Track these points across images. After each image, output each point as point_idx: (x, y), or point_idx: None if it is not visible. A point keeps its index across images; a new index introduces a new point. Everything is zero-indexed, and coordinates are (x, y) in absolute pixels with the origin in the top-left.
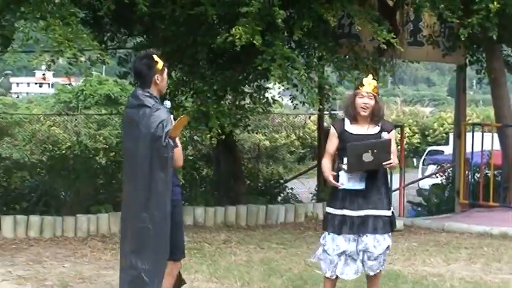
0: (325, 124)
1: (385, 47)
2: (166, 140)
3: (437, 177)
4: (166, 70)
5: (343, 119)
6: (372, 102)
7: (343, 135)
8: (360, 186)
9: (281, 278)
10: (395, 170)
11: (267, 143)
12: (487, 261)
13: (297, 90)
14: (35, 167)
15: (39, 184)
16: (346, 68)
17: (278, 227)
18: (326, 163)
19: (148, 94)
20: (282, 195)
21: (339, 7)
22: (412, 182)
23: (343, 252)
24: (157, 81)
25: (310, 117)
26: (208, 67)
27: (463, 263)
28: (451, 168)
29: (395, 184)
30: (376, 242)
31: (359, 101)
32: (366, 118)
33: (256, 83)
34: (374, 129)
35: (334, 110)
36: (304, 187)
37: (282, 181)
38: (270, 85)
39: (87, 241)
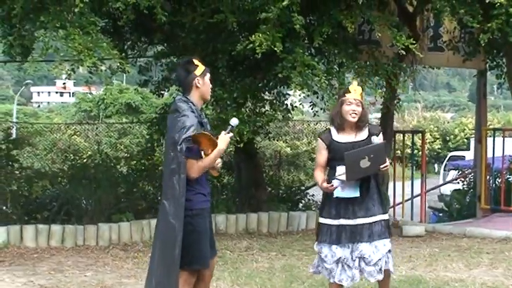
0: None
1: (404, 53)
2: (182, 145)
3: (458, 182)
4: (208, 75)
5: (329, 129)
6: (360, 108)
7: (331, 145)
8: (355, 194)
9: (303, 285)
10: (416, 176)
11: (288, 150)
12: (508, 266)
13: (317, 97)
14: (56, 176)
15: (60, 193)
16: (367, 74)
17: (299, 233)
18: (319, 174)
19: (185, 99)
20: (303, 202)
21: (358, 13)
22: (434, 188)
23: (339, 259)
24: (198, 85)
25: None
26: (228, 74)
27: (485, 268)
28: (472, 174)
29: (416, 190)
30: (374, 248)
31: (346, 108)
32: (352, 125)
33: (276, 90)
34: (362, 135)
35: None
36: None
37: (303, 188)
38: (290, 92)
39: (109, 250)
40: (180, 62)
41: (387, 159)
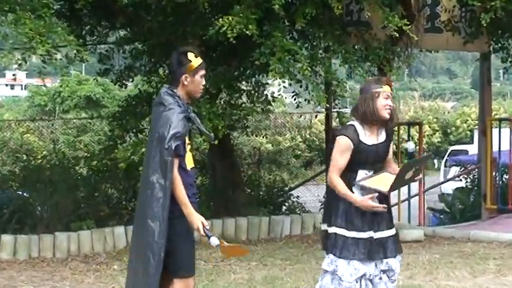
0: (333, 124)
1: (398, 35)
2: (170, 143)
3: (461, 180)
4: (201, 72)
5: (353, 126)
6: (392, 104)
7: (359, 147)
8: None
9: None
10: None
11: (269, 146)
12: None
13: (301, 87)
14: (6, 180)
15: (11, 199)
16: (356, 59)
17: (283, 240)
18: (340, 181)
19: (171, 92)
20: (286, 204)
21: None
22: (433, 187)
23: (363, 276)
24: (185, 83)
25: (316, 116)
26: None
27: (492, 275)
28: (476, 170)
29: (414, 189)
30: (398, 262)
31: (383, 102)
32: (378, 124)
33: (254, 79)
34: (382, 136)
35: (345, 108)
36: (311, 195)
37: (286, 189)
38: (270, 81)
39: (68, 262)
40: (176, 50)
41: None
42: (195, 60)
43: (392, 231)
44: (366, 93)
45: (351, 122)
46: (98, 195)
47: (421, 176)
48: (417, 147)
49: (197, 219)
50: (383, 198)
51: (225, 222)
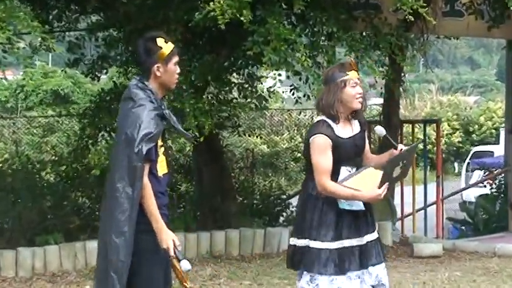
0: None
1: (413, 19)
2: (140, 146)
3: (485, 186)
4: (174, 59)
5: (324, 121)
6: (362, 91)
7: (337, 142)
8: (359, 206)
9: None
10: (430, 179)
11: (264, 147)
12: None
13: (300, 80)
14: None
15: None
16: (364, 48)
17: (280, 256)
18: (335, 184)
19: (141, 85)
20: (284, 214)
21: None
22: (453, 194)
23: None
24: (157, 73)
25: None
26: (184, 51)
27: None
28: (502, 174)
29: (431, 197)
30: (384, 270)
31: (352, 91)
32: (348, 114)
33: (246, 71)
34: (356, 127)
35: None
36: None
37: (284, 197)
38: (265, 73)
39: (32, 282)
40: (142, 37)
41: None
42: (166, 46)
43: (374, 235)
44: (330, 84)
45: (319, 118)
46: (67, 205)
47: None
48: (433, 147)
49: (168, 237)
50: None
51: (214, 236)
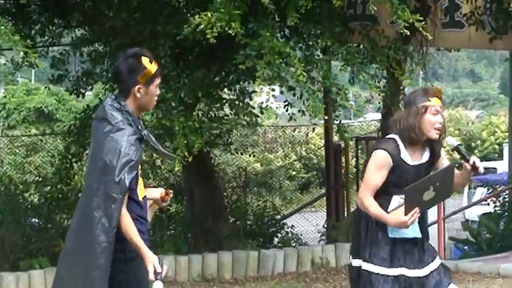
0: (334, 138)
1: (409, 33)
2: (122, 176)
3: (488, 204)
4: (157, 81)
5: (394, 140)
6: (443, 120)
7: (399, 166)
8: (416, 233)
9: None
10: None
11: (257, 166)
12: None
13: (294, 95)
14: None
15: None
16: (360, 62)
17: (275, 279)
18: (373, 202)
19: (117, 106)
20: (279, 236)
21: None
22: (455, 212)
23: None
24: (137, 95)
25: (314, 129)
26: (173, 66)
27: None
28: (506, 192)
29: (431, 216)
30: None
31: (432, 119)
32: (422, 142)
33: (238, 86)
34: (425, 155)
35: (348, 119)
36: (309, 224)
37: (278, 217)
38: (258, 88)
39: None
40: (124, 53)
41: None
42: (151, 67)
43: (436, 263)
44: (412, 107)
45: (391, 135)
46: (52, 227)
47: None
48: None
49: (148, 261)
50: (422, 225)
51: (206, 258)
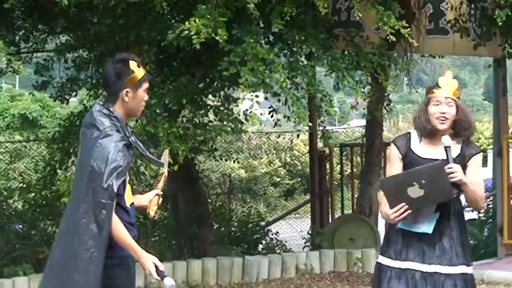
0: (319, 144)
1: (394, 40)
2: (110, 182)
3: (472, 210)
4: (145, 85)
5: (409, 134)
6: (453, 111)
7: (407, 157)
8: (426, 229)
9: None
10: None
11: (241, 172)
12: None
13: (279, 101)
14: None
15: None
16: (345, 67)
17: (259, 285)
18: (381, 196)
19: (106, 112)
20: (263, 242)
21: None
22: None
23: None
24: (125, 99)
25: (298, 135)
26: (157, 72)
27: None
28: (491, 198)
29: None
30: None
31: (433, 109)
32: (442, 134)
33: (223, 93)
34: (441, 152)
35: (333, 125)
36: (293, 230)
37: (263, 224)
38: (242, 95)
39: None
40: (112, 58)
41: (478, 189)
42: (138, 71)
43: (450, 269)
44: (424, 100)
45: (410, 130)
46: (36, 234)
47: (456, 193)
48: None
49: (147, 261)
50: (441, 225)
51: (190, 265)
